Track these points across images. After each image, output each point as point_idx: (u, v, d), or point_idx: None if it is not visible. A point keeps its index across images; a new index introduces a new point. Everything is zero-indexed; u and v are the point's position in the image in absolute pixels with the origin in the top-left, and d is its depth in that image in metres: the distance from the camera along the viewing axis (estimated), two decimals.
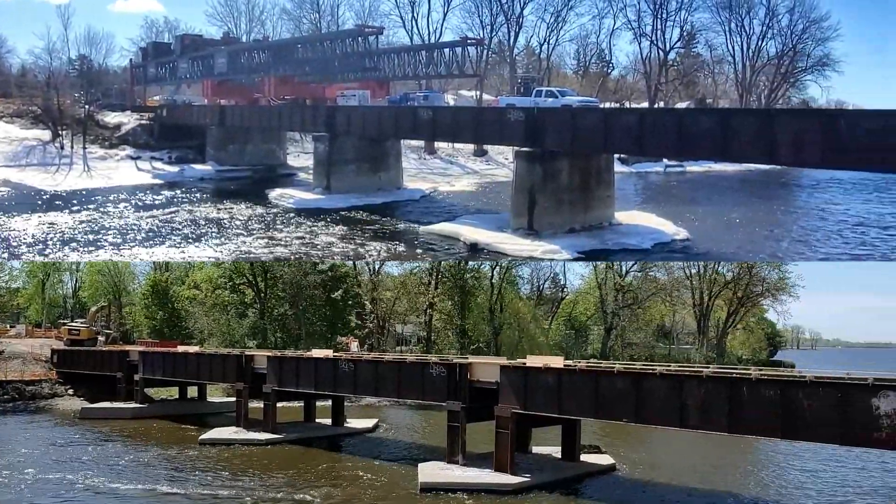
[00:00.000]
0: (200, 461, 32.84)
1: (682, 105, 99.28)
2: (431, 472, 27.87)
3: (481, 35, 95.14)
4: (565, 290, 74.68)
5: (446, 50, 69.47)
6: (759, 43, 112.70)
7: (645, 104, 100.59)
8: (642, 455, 33.43)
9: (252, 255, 41.79)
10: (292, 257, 48.16)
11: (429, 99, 69.19)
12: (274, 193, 56.32)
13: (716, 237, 41.78)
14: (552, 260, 36.73)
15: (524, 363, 28.74)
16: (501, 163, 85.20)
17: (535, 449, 32.03)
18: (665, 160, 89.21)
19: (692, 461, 32.88)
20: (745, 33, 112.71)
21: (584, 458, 30.93)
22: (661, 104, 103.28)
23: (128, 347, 56.11)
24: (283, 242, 41.53)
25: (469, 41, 70.28)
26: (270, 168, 71.23)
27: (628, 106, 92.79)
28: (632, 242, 38.70)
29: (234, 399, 42.40)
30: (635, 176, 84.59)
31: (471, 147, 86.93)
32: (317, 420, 42.28)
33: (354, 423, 42.47)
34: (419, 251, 39.90)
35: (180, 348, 52.31)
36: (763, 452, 35.76)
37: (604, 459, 31.07)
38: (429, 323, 63.02)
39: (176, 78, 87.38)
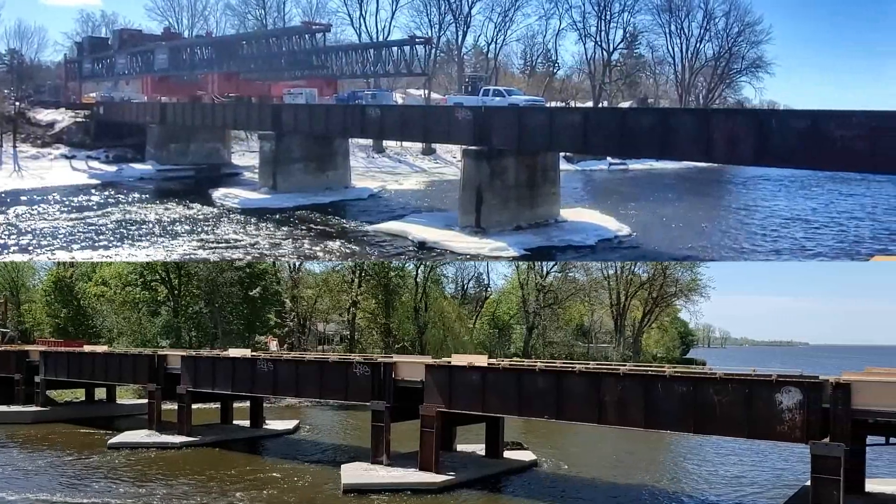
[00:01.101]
0: (106, 467, 30.95)
1: (625, 104, 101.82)
2: (355, 472, 27.55)
3: (429, 34, 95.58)
4: (489, 289, 75.16)
5: (395, 48, 69.47)
6: (698, 45, 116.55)
7: (589, 103, 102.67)
8: (563, 451, 34.01)
9: (190, 257, 41.13)
10: (237, 257, 47.60)
11: (377, 97, 69.16)
12: (218, 193, 55.37)
13: (655, 233, 43.14)
14: (499, 258, 37.24)
15: (449, 362, 28.75)
16: (450, 161, 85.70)
17: (460, 447, 32.08)
18: (609, 158, 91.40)
19: (610, 456, 33.72)
20: (684, 35, 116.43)
21: (507, 454, 31.17)
22: (605, 103, 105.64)
23: (27, 347, 52.55)
24: (222, 243, 40.60)
25: (417, 40, 70.45)
26: (214, 167, 69.73)
27: (573, 105, 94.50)
28: (576, 239, 39.61)
29: (145, 401, 40.72)
30: (580, 173, 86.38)
31: (419, 146, 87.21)
32: (234, 422, 41.01)
33: (274, 424, 41.32)
34: (367, 250, 39.90)
35: (87, 348, 49.29)
36: (675, 446, 36.87)
37: (526, 456, 31.42)
38: (352, 322, 62.16)
39: (114, 74, 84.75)
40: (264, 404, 41.73)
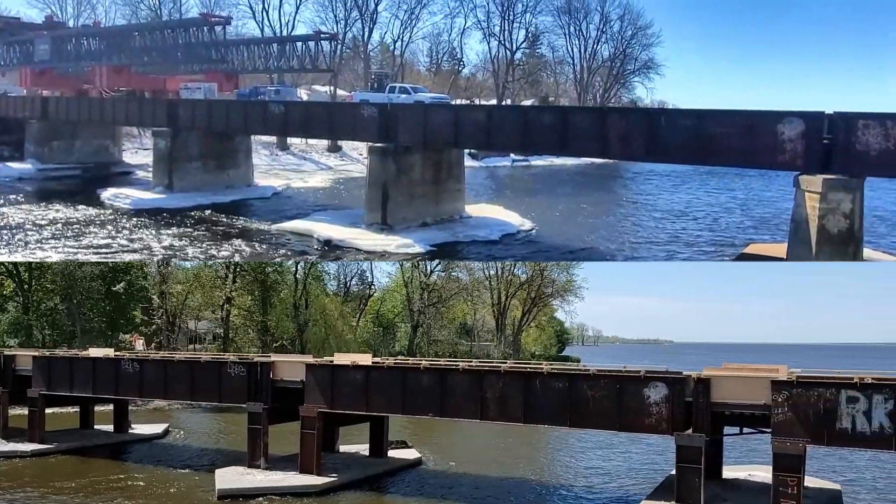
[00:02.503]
0: None
1: (527, 103, 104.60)
2: (230, 477, 26.37)
3: (335, 30, 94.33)
4: (373, 287, 74.17)
5: (299, 43, 68.21)
6: (595, 46, 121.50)
7: (493, 101, 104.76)
8: (447, 448, 34.28)
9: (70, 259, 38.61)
10: (129, 259, 45.41)
11: (280, 93, 67.91)
12: (107, 193, 52.35)
13: (555, 228, 44.56)
14: (406, 255, 37.40)
15: (331, 361, 28.24)
16: (356, 158, 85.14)
17: (342, 448, 31.57)
18: (512, 155, 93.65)
19: (492, 451, 34.29)
20: (582, 37, 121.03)
21: (391, 453, 30.96)
22: (509, 101, 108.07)
23: None
24: (107, 247, 38.25)
25: (322, 35, 69.47)
26: (103, 166, 65.53)
27: (478, 103, 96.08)
28: (481, 234, 40.33)
29: None
30: (485, 170, 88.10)
31: (325, 143, 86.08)
32: (96, 426, 38.27)
33: (141, 428, 38.89)
34: (272, 250, 39.05)
35: None
36: (553, 441, 38.15)
37: (410, 454, 31.34)
38: (226, 319, 58.87)
39: None
40: (130, 407, 38.87)
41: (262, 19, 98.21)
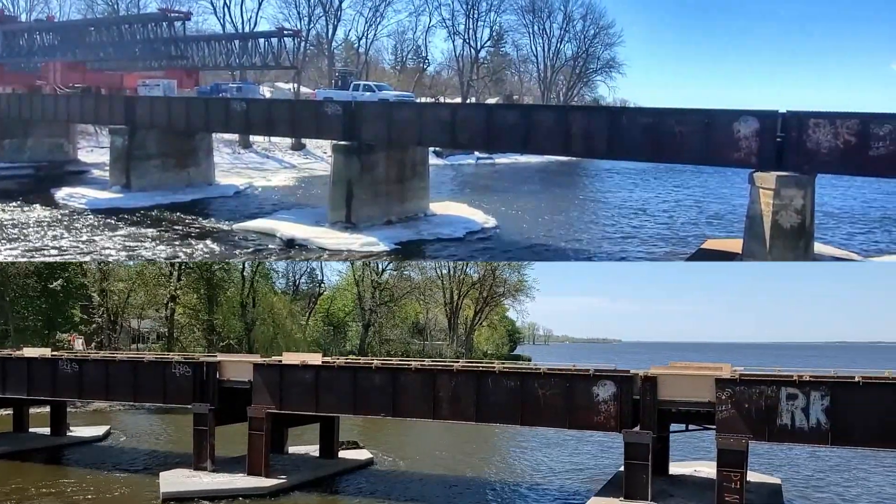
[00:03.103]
0: None
1: (491, 101, 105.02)
2: (175, 480, 25.64)
3: (298, 26, 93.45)
4: (323, 285, 72.75)
5: (262, 40, 67.47)
6: (558, 45, 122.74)
7: (458, 99, 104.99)
8: (399, 447, 34.08)
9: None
10: (85, 262, 44.34)
11: (242, 91, 67.01)
12: (62, 193, 51.07)
13: (518, 225, 45.01)
14: (370, 253, 37.23)
15: (280, 360, 27.84)
16: (320, 156, 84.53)
17: (292, 449, 31.07)
18: (476, 153, 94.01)
19: (444, 450, 34.27)
20: (546, 36, 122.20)
21: (342, 454, 30.55)
22: (473, 99, 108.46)
23: None
24: (60, 248, 37.30)
25: (286, 32, 68.86)
26: (58, 165, 63.75)
27: (442, 101, 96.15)
28: (445, 232, 40.45)
29: None
30: (449, 168, 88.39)
31: (288, 141, 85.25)
32: (31, 429, 36.57)
33: (80, 431, 37.31)
34: (234, 249, 38.49)
35: None
36: (505, 439, 38.33)
37: (362, 454, 31.04)
38: (171, 318, 56.51)
39: None
40: (68, 409, 37.31)
41: (224, 15, 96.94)
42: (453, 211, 46.05)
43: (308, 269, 70.30)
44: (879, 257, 35.05)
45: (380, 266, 63.19)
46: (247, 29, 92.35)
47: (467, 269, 71.23)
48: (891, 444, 19.87)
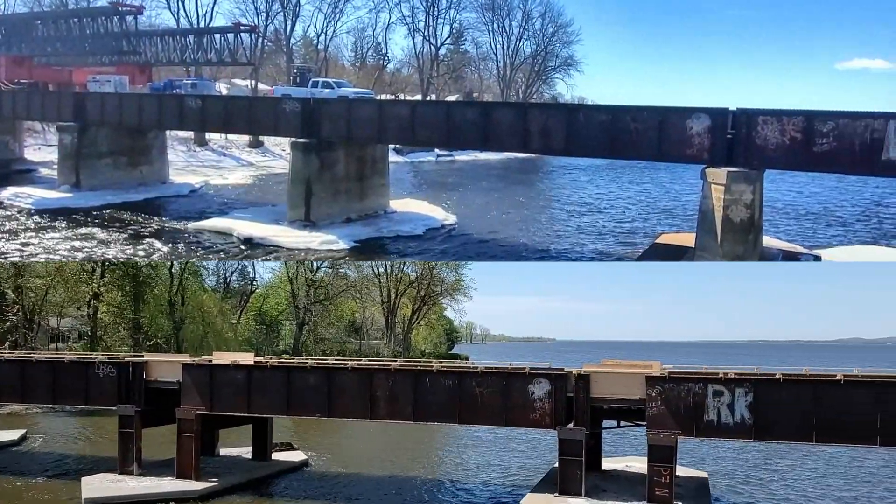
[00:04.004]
0: None
1: (451, 98, 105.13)
2: (99, 485, 24.44)
3: (256, 22, 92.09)
4: (255, 282, 71.23)
5: (217, 36, 66.42)
6: (517, 43, 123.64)
7: (418, 97, 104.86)
8: (335, 448, 33.76)
9: None
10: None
11: (197, 87, 65.77)
12: (7, 193, 49.20)
13: (478, 222, 45.14)
14: (329, 251, 36.93)
15: (210, 360, 27.28)
16: (278, 154, 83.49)
17: (224, 451, 30.37)
18: (436, 150, 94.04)
19: (380, 450, 34.03)
20: (505, 34, 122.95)
21: (275, 456, 29.96)
22: (433, 97, 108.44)
23: None
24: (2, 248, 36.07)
25: (242, 27, 67.93)
26: (2, 163, 61.45)
27: (402, 98, 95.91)
28: (405, 229, 40.43)
29: None
30: (410, 165, 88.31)
31: (246, 138, 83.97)
32: None
33: None
34: (188, 250, 37.68)
35: None
36: (442, 438, 38.39)
37: (296, 456, 30.52)
38: (94, 316, 54.27)
39: None
40: None
41: (178, 10, 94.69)
42: (413, 208, 46.04)
43: (240, 266, 67.75)
44: (822, 249, 36.39)
45: (314, 263, 61.86)
46: (202, 24, 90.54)
47: (405, 268, 70.30)
48: (808, 438, 20.72)
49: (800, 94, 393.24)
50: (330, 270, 66.26)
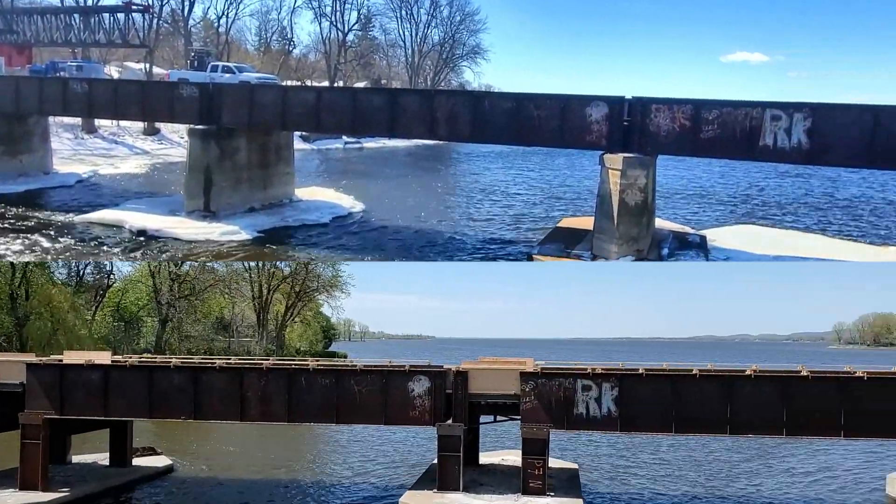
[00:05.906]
0: None
1: (359, 85, 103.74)
2: None
3: (150, 2, 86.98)
4: (112, 276, 65.57)
5: (107, 15, 62.57)
6: (426, 30, 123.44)
7: (325, 83, 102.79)
8: (202, 453, 32.44)
9: None
10: None
11: (84, 69, 61.86)
12: None
13: (386, 210, 44.51)
14: (231, 242, 35.43)
15: (60, 360, 25.42)
16: (176, 142, 79.65)
17: (77, 458, 28.52)
18: (344, 137, 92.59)
19: (253, 454, 32.83)
20: (413, 21, 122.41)
21: (136, 462, 28.39)
22: (341, 83, 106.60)
23: None
24: None
25: (134, 6, 64.25)
26: None
27: (309, 84, 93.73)
28: (311, 217, 39.46)
29: None
30: (317, 152, 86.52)
31: (140, 125, 79.55)
32: None
33: None
34: (75, 245, 34.95)
35: None
36: (319, 438, 38.13)
37: (160, 461, 29.02)
38: None
39: None
40: None
41: None
42: (320, 196, 45.03)
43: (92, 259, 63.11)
44: (707, 230, 38.77)
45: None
46: (90, 2, 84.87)
47: (278, 263, 66.78)
48: (668, 429, 22.08)
49: (688, 84, 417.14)
50: (196, 264, 61.27)
